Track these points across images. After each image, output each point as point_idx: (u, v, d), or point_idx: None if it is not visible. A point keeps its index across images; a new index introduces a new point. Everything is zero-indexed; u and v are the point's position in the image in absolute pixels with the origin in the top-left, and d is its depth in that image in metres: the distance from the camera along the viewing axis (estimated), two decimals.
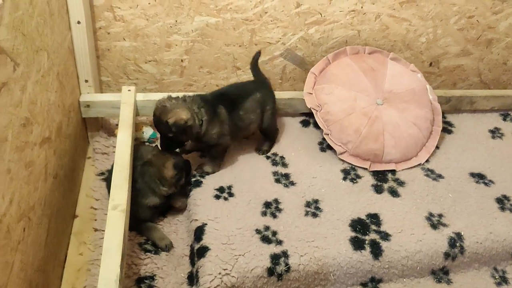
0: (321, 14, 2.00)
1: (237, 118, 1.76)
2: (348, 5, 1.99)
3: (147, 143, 2.01)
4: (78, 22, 1.72)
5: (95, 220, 1.72)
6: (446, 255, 1.61)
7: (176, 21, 1.92)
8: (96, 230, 1.68)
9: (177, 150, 1.77)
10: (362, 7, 2.01)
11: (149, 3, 1.85)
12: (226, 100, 1.75)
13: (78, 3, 1.68)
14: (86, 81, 1.87)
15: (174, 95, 1.69)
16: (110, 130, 2.05)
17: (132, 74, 2.05)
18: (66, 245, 1.64)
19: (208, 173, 1.78)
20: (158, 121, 1.63)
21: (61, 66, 1.58)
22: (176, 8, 1.88)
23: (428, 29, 2.14)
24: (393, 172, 1.88)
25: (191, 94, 1.72)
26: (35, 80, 1.28)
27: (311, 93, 1.97)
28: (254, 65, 1.91)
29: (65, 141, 1.63)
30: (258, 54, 1.90)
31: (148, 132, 2.02)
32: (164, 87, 2.12)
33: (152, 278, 1.53)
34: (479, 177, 1.91)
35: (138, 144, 1.93)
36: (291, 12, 1.97)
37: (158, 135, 2.04)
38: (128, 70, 2.04)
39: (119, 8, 1.85)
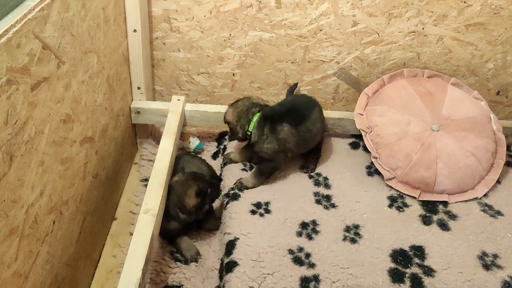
0: (378, 34, 1.93)
1: (305, 129, 1.74)
2: (408, 25, 1.90)
3: (192, 153, 2.02)
4: (134, 31, 1.78)
5: (132, 224, 1.74)
6: None
7: (230, 34, 1.93)
8: (132, 234, 1.67)
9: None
10: (423, 29, 1.91)
11: (204, 16, 1.88)
12: (293, 114, 1.74)
13: (136, 12, 1.74)
14: (139, 88, 1.93)
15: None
16: (159, 138, 2.07)
17: (185, 85, 2.09)
18: (102, 245, 1.66)
19: (247, 188, 1.74)
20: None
21: (112, 71, 1.63)
22: (230, 21, 1.89)
23: (496, 55, 1.99)
24: (445, 203, 1.73)
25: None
26: (81, 79, 1.33)
27: (362, 114, 1.89)
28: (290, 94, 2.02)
29: (110, 144, 1.67)
30: (295, 86, 2.03)
31: (194, 142, 2.03)
32: (215, 99, 2.13)
33: None
34: None
35: (183, 154, 1.94)
36: (347, 31, 1.92)
37: (204, 147, 2.06)
38: (181, 81, 2.07)
39: (176, 19, 1.89)
